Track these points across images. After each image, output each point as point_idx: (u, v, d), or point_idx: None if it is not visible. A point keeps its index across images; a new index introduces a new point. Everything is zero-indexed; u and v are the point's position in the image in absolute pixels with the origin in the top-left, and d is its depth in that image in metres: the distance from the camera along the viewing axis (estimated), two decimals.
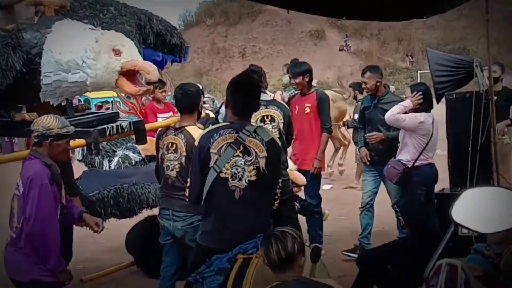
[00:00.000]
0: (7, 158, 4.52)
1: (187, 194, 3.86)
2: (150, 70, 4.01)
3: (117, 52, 4.05)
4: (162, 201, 4.81)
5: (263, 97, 5.14)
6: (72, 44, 4.12)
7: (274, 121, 5.35)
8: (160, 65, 6.93)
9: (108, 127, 4.48)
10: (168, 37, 5.19)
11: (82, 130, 4.25)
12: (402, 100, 6.22)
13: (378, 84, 6.31)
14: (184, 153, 4.52)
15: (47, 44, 4.21)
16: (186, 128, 4.59)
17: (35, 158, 3.77)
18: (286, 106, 5.63)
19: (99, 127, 4.44)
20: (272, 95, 5.83)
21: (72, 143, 4.19)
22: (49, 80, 4.20)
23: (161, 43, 5.25)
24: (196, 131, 4.58)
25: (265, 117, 5.36)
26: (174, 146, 4.60)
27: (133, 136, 5.10)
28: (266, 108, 5.31)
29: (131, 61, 4.06)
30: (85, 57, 4.06)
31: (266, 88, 5.79)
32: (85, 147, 4.55)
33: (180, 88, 4.76)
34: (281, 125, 5.36)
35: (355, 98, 10.66)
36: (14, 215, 3.79)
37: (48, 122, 3.75)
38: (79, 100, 15.27)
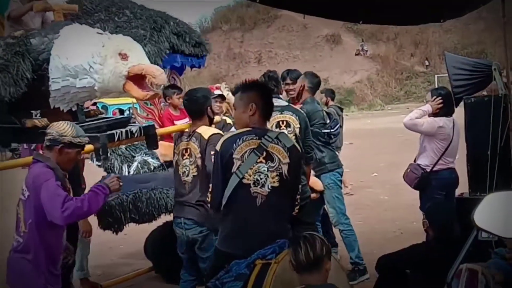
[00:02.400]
0: (12, 164, 4.52)
1: (209, 200, 3.86)
2: (157, 74, 3.98)
3: (123, 57, 4.01)
4: (175, 209, 4.87)
5: (279, 102, 5.14)
6: (79, 49, 4.08)
7: (289, 126, 5.31)
8: (179, 71, 6.94)
9: (117, 132, 4.47)
10: (187, 37, 5.18)
11: (90, 135, 4.25)
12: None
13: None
14: (199, 155, 4.57)
15: (55, 49, 4.17)
16: (196, 130, 4.66)
17: (38, 162, 3.75)
18: (302, 111, 5.59)
19: (108, 132, 4.44)
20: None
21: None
22: (57, 86, 4.17)
23: (183, 44, 5.24)
24: (206, 130, 4.64)
25: (281, 123, 5.33)
26: (188, 151, 4.66)
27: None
28: (281, 113, 5.23)
29: (138, 66, 4.01)
30: (92, 62, 4.02)
31: (281, 94, 5.76)
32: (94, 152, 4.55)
33: (187, 94, 4.87)
34: (297, 130, 5.32)
35: (326, 104, 10.54)
36: (20, 220, 3.76)
37: (63, 128, 3.73)
38: (97, 107, 15.32)
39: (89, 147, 4.25)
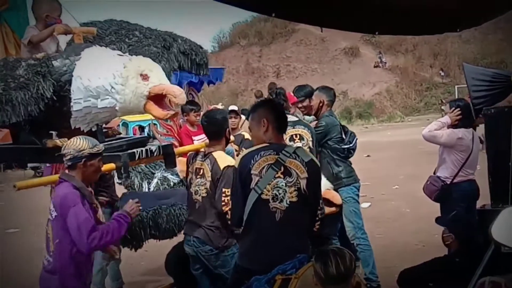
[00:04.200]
0: (38, 182, 4.57)
1: (229, 217, 3.88)
2: (177, 94, 4.02)
3: (144, 77, 4.07)
4: (186, 227, 4.90)
5: (289, 118, 5.18)
6: (101, 70, 4.15)
7: (303, 139, 5.38)
8: (197, 87, 7.01)
9: (137, 151, 4.52)
10: (193, 56, 5.22)
11: (112, 154, 4.29)
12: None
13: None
14: (209, 179, 4.58)
15: (77, 71, 4.24)
16: (213, 153, 4.67)
17: (64, 181, 3.82)
18: (311, 126, 5.70)
19: (129, 151, 4.48)
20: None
21: (103, 167, 4.23)
22: (79, 106, 4.23)
23: (188, 63, 5.28)
24: (221, 156, 4.64)
25: (294, 136, 5.40)
26: (201, 171, 4.68)
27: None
28: (294, 127, 5.37)
29: (159, 86, 4.07)
30: (113, 83, 4.08)
31: (288, 109, 5.83)
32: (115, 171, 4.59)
33: (206, 116, 4.88)
34: (310, 143, 5.42)
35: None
36: (49, 239, 3.84)
37: (79, 144, 3.80)
38: (119, 125, 15.48)
39: (110, 165, 4.30)
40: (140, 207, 4.07)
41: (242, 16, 53.99)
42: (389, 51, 48.18)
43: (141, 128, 20.82)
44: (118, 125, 19.28)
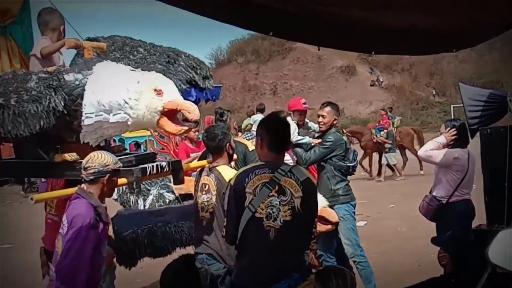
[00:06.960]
0: (55, 195, 4.53)
1: (223, 234, 3.87)
2: (192, 109, 4.01)
3: (159, 92, 4.05)
4: (196, 245, 4.84)
5: None
6: (114, 84, 4.12)
7: None
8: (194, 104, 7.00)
9: (148, 166, 4.49)
10: (198, 70, 5.23)
11: (124, 169, 4.28)
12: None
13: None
14: (214, 193, 4.57)
15: (89, 85, 4.20)
16: (217, 167, 4.66)
17: (82, 198, 3.79)
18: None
19: (141, 166, 4.45)
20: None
21: None
22: (90, 121, 4.18)
23: (195, 77, 5.29)
24: (226, 170, 4.63)
25: None
26: (207, 187, 4.66)
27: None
28: None
29: (173, 101, 4.05)
30: (127, 98, 4.04)
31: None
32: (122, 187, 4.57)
33: (206, 131, 4.91)
34: None
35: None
36: (57, 253, 3.79)
37: (104, 158, 3.81)
38: (114, 140, 15.45)
39: (123, 180, 4.29)
40: None
41: (239, 33, 54.18)
42: (385, 70, 48.38)
43: (137, 145, 20.81)
44: (114, 140, 19.30)
